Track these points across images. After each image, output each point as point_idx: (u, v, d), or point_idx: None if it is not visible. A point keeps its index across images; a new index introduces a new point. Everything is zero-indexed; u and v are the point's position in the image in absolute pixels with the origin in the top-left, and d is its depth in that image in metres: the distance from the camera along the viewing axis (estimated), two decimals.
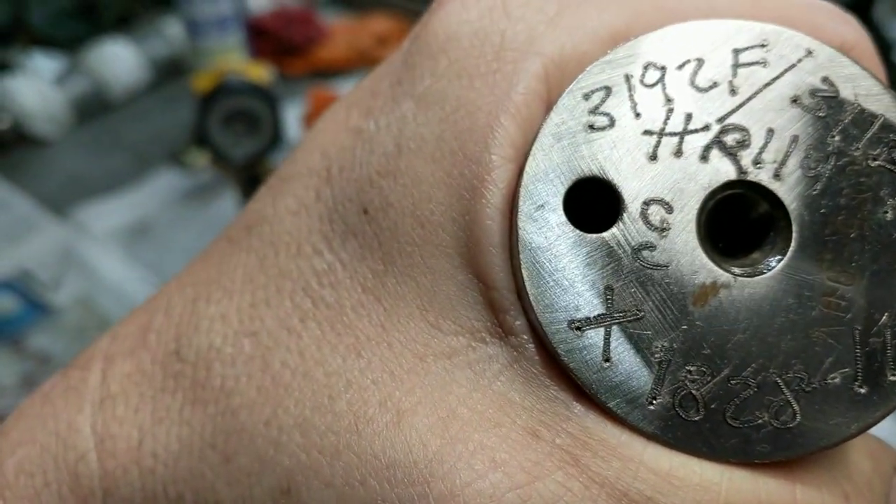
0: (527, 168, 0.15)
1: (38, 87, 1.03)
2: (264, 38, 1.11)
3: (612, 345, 0.15)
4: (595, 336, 0.15)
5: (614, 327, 0.15)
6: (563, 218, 0.15)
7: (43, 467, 0.19)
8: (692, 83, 0.16)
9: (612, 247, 0.15)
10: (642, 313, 0.15)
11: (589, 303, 0.15)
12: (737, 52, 0.16)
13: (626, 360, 0.15)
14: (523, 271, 0.15)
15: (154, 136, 1.04)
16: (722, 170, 0.16)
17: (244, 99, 0.72)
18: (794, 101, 0.16)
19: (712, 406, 0.15)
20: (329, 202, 0.18)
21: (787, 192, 0.15)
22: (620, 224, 0.15)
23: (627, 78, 0.16)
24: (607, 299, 0.15)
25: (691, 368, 0.15)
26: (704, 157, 0.16)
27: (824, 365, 0.15)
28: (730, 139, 0.16)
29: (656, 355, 0.15)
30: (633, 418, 0.15)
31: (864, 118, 0.16)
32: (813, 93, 0.16)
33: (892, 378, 0.15)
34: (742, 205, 0.16)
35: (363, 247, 0.17)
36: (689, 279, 0.15)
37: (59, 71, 1.10)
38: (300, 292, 0.18)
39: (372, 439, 0.15)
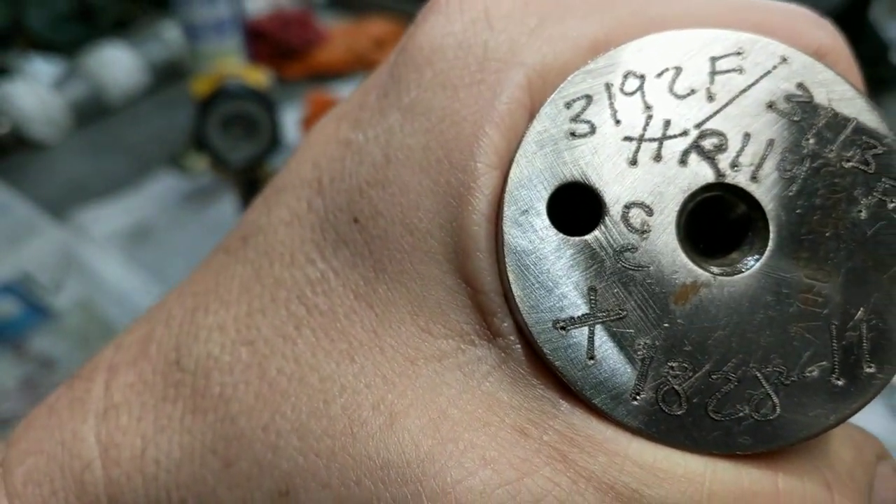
0: (511, 175, 0.16)
1: (37, 91, 1.03)
2: (262, 41, 1.12)
3: (596, 343, 0.16)
4: (579, 335, 0.16)
5: (598, 326, 0.16)
6: (547, 222, 0.16)
7: (50, 476, 0.19)
8: (671, 90, 0.16)
9: (594, 249, 0.16)
10: (625, 312, 0.16)
11: (573, 303, 0.16)
12: (714, 60, 0.16)
13: (610, 358, 0.16)
14: (509, 274, 0.16)
15: (153, 140, 1.04)
16: (700, 173, 0.16)
17: (242, 103, 0.73)
18: (770, 106, 0.16)
19: (694, 400, 0.16)
20: (321, 212, 0.19)
21: (764, 193, 0.16)
22: (602, 227, 0.16)
23: (608, 86, 0.16)
24: (591, 300, 0.16)
25: (673, 364, 0.16)
26: (683, 162, 0.16)
27: (802, 359, 0.16)
28: (708, 143, 0.16)
29: (639, 352, 0.16)
30: (617, 413, 0.16)
31: (837, 122, 0.16)
32: (788, 98, 0.16)
33: (868, 370, 0.16)
34: (721, 207, 0.17)
35: (354, 255, 0.18)
36: (669, 279, 0.16)
37: (57, 75, 1.10)
38: (295, 300, 0.18)
39: (366, 441, 0.16)
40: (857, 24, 1.00)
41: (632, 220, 0.16)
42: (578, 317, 0.16)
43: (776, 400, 0.16)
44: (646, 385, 0.16)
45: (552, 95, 0.16)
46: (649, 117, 0.16)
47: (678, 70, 0.16)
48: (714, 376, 0.16)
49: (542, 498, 0.15)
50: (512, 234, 0.16)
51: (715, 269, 0.16)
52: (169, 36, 1.15)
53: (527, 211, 0.16)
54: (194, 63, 0.88)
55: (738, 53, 0.16)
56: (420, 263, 0.17)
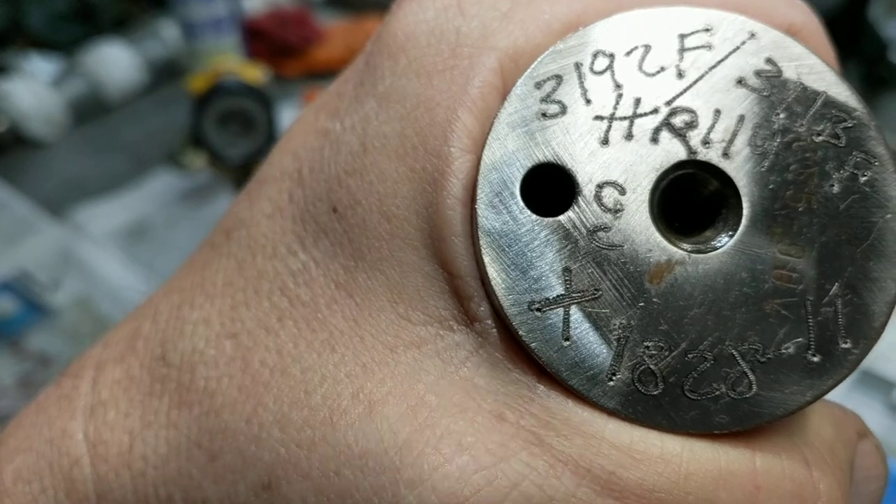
0: (483, 157, 0.16)
1: (35, 89, 1.03)
2: (260, 39, 1.12)
3: (572, 324, 0.16)
4: (555, 316, 0.16)
5: (573, 307, 0.16)
6: (521, 203, 0.16)
7: (39, 474, 0.19)
8: (640, 68, 0.16)
9: (568, 229, 0.16)
10: (600, 292, 0.16)
11: (548, 284, 0.16)
12: (682, 37, 0.16)
13: (586, 339, 0.16)
14: (484, 257, 0.16)
15: (151, 138, 1.04)
16: (672, 151, 0.16)
17: (239, 100, 0.73)
18: (740, 82, 0.16)
19: (671, 380, 0.16)
20: (301, 203, 0.19)
21: (736, 169, 0.16)
22: (576, 207, 0.16)
23: (577, 66, 0.16)
24: (565, 280, 0.16)
25: (649, 344, 0.16)
26: (655, 140, 0.16)
27: (778, 336, 0.16)
28: (678, 121, 0.16)
29: (614, 333, 0.16)
30: (593, 395, 0.15)
31: (806, 95, 0.16)
32: (757, 73, 0.16)
33: (843, 346, 0.16)
34: (694, 184, 0.16)
35: (334, 244, 0.18)
36: (644, 258, 0.16)
37: (55, 73, 1.10)
38: (277, 292, 0.18)
39: (346, 431, 0.16)
40: (855, 24, 1.00)
41: (605, 200, 0.16)
42: (553, 298, 0.16)
43: (752, 378, 0.15)
44: (622, 365, 0.16)
45: (522, 76, 0.16)
46: (619, 96, 0.16)
47: (647, 48, 0.16)
48: (690, 355, 0.16)
49: (518, 482, 0.15)
50: (486, 217, 0.16)
51: (689, 247, 0.16)
52: (167, 34, 1.15)
53: (500, 193, 0.16)
54: (192, 61, 0.88)
55: (707, 30, 0.16)
56: (398, 250, 0.17)
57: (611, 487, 0.15)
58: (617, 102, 0.16)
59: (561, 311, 0.16)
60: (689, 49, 0.16)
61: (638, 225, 0.16)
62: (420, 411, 0.16)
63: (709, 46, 0.16)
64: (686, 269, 0.16)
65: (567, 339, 0.16)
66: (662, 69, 0.16)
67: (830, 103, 0.16)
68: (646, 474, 0.15)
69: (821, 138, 0.16)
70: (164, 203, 0.95)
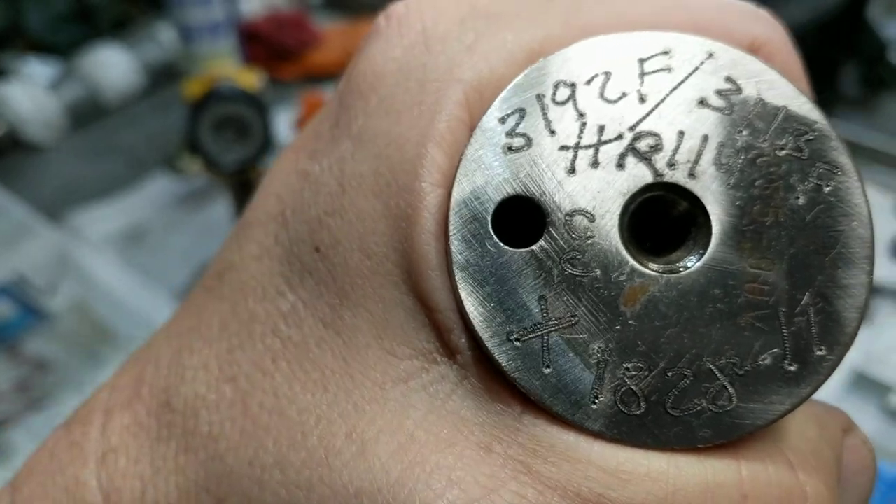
0: (454, 193, 0.16)
1: (33, 93, 1.03)
2: (257, 43, 1.12)
3: (551, 351, 0.16)
4: (534, 345, 0.16)
5: (551, 335, 0.16)
6: (493, 237, 0.16)
7: None
8: (602, 96, 0.16)
9: (541, 259, 0.16)
10: (576, 318, 0.16)
11: (525, 314, 0.16)
12: (642, 61, 0.17)
13: (566, 365, 0.16)
14: (460, 291, 0.16)
15: (148, 142, 1.05)
16: (638, 175, 0.16)
17: (234, 105, 0.73)
18: (701, 102, 0.16)
19: (652, 399, 0.16)
20: (286, 244, 0.19)
21: (703, 188, 0.16)
22: (547, 237, 0.16)
23: (540, 98, 0.16)
24: (542, 309, 0.16)
25: (629, 366, 0.16)
26: (620, 165, 0.16)
27: (754, 348, 0.16)
28: (643, 145, 0.16)
29: (594, 357, 0.16)
30: (577, 419, 0.16)
31: (767, 111, 0.16)
32: (718, 93, 0.16)
33: (818, 353, 0.16)
34: (663, 205, 0.17)
35: (319, 284, 0.18)
36: (617, 282, 0.16)
37: (53, 77, 1.11)
38: (270, 334, 0.19)
39: (341, 471, 0.16)
40: (854, 24, 1.00)
41: (575, 228, 0.16)
42: (531, 327, 0.16)
43: (732, 391, 0.16)
44: (603, 388, 0.16)
45: (486, 113, 0.16)
46: (583, 124, 0.16)
47: (608, 75, 0.16)
48: (670, 373, 0.16)
49: None
50: (460, 252, 0.16)
51: (661, 268, 0.16)
52: (164, 37, 1.15)
53: (472, 227, 0.16)
54: (189, 65, 0.88)
55: (666, 53, 0.17)
56: (380, 287, 0.17)
57: None
58: (581, 131, 0.16)
59: (539, 339, 0.16)
60: (649, 73, 0.16)
61: (609, 250, 0.16)
62: (410, 448, 0.16)
63: (668, 69, 0.16)
64: (659, 290, 0.16)
65: (548, 367, 0.16)
66: (624, 95, 0.16)
67: (791, 117, 0.16)
68: (634, 493, 0.15)
69: (784, 152, 0.16)
70: (161, 207, 0.95)
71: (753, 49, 0.18)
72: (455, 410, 0.16)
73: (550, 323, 0.16)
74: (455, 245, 0.16)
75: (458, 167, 0.16)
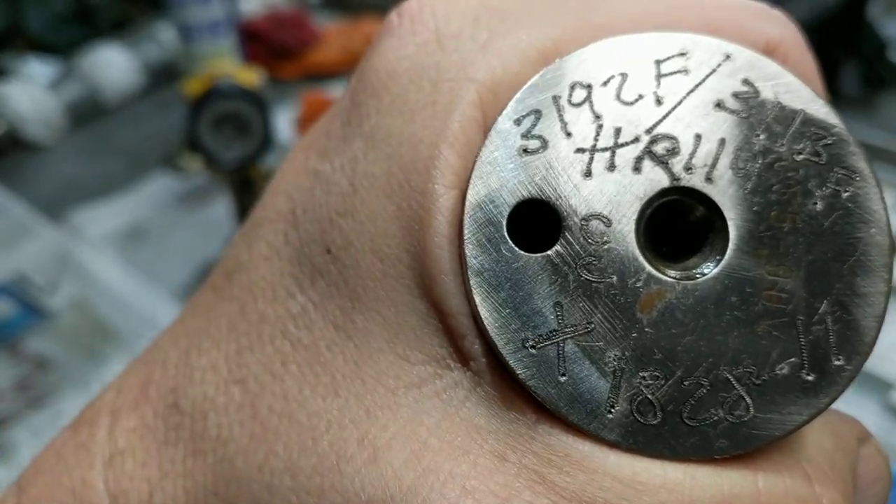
0: (468, 196, 0.16)
1: (33, 92, 1.03)
2: (257, 41, 1.12)
3: (567, 359, 0.15)
4: (549, 352, 0.15)
5: (567, 342, 0.16)
6: (508, 241, 0.16)
7: None
8: (618, 98, 0.16)
9: (556, 264, 0.16)
10: (592, 325, 0.16)
11: (540, 321, 0.16)
12: (658, 63, 0.16)
13: (582, 373, 0.15)
14: (475, 296, 0.16)
15: (148, 141, 1.05)
16: (655, 179, 0.16)
17: (234, 103, 0.73)
18: (718, 105, 0.16)
19: (669, 408, 0.15)
20: (296, 244, 0.19)
21: (720, 193, 0.16)
22: (563, 241, 0.16)
23: (556, 99, 0.16)
24: (557, 315, 0.16)
25: (645, 374, 0.15)
26: (637, 169, 0.16)
27: (772, 357, 0.15)
28: (660, 148, 0.16)
29: (610, 365, 0.15)
30: (593, 428, 0.15)
31: (785, 115, 0.16)
32: (735, 95, 0.16)
33: (836, 363, 0.15)
34: (680, 210, 0.16)
35: (330, 285, 0.18)
36: (633, 288, 0.16)
37: (53, 76, 1.11)
38: (279, 336, 0.18)
39: (353, 478, 0.16)
40: (855, 23, 1.00)
41: (591, 232, 0.16)
42: (546, 334, 0.16)
43: (749, 401, 0.15)
44: (619, 397, 0.15)
45: (501, 114, 0.16)
46: (599, 127, 0.16)
47: (624, 76, 0.16)
48: (686, 382, 0.15)
49: None
50: (474, 256, 0.16)
51: (678, 274, 0.16)
52: (164, 37, 1.15)
53: (487, 231, 0.16)
54: (189, 64, 0.88)
55: (682, 54, 0.16)
56: (392, 290, 0.17)
57: None
58: (597, 134, 0.16)
59: (555, 346, 0.16)
60: (666, 75, 0.16)
61: (626, 255, 0.16)
62: (423, 456, 0.16)
63: (685, 71, 0.16)
64: (676, 297, 0.16)
65: (563, 375, 0.15)
66: (641, 97, 0.16)
67: (809, 121, 0.16)
68: None
69: (801, 157, 0.16)
70: (162, 206, 0.95)
71: (768, 49, 0.18)
72: (469, 418, 0.16)
73: (566, 330, 0.16)
74: (469, 249, 0.16)
75: (472, 169, 0.16)
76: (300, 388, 0.18)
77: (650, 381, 0.15)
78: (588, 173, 0.16)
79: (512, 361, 0.16)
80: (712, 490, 0.15)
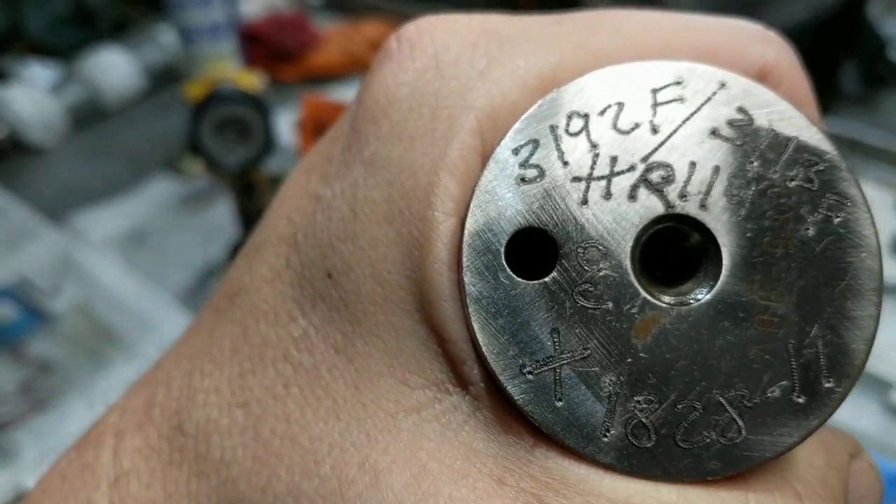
0: (467, 224, 0.16)
1: (34, 95, 1.03)
2: (258, 44, 1.12)
3: (564, 384, 0.16)
4: (546, 378, 0.16)
5: (563, 367, 0.16)
6: (506, 269, 0.16)
7: None
8: (615, 126, 0.16)
9: (553, 291, 0.16)
10: (588, 351, 0.16)
11: (537, 347, 0.16)
12: (654, 91, 0.16)
13: (578, 398, 0.16)
14: (473, 323, 0.16)
15: (149, 143, 1.05)
16: (650, 206, 0.16)
17: (235, 107, 0.73)
18: (713, 133, 0.16)
19: (662, 431, 0.16)
20: (297, 268, 0.19)
21: (714, 220, 0.16)
22: (559, 269, 0.16)
23: (553, 129, 0.16)
24: (554, 341, 0.16)
25: (639, 399, 0.16)
26: (633, 196, 0.16)
27: (763, 380, 0.16)
28: (655, 176, 0.16)
29: (605, 390, 0.16)
30: (589, 452, 0.16)
31: (778, 142, 0.16)
32: (730, 123, 0.16)
33: (827, 385, 0.16)
34: (675, 237, 0.17)
35: (331, 310, 0.18)
36: (628, 314, 0.16)
37: (54, 79, 1.11)
38: (281, 359, 0.18)
39: (354, 501, 0.16)
40: (854, 22, 1.00)
41: (587, 260, 0.16)
42: (544, 360, 0.16)
43: (741, 423, 0.16)
44: (614, 421, 0.16)
45: (500, 144, 0.17)
46: (596, 156, 0.16)
47: (621, 105, 0.16)
48: (680, 406, 0.16)
49: None
50: (473, 284, 0.16)
51: (673, 300, 0.16)
52: (165, 39, 1.15)
53: (485, 259, 0.16)
54: (190, 66, 0.88)
55: (678, 83, 0.17)
56: (392, 315, 0.17)
57: None
58: (594, 163, 0.16)
59: (552, 372, 0.16)
60: (662, 103, 0.16)
61: (621, 282, 0.16)
62: (423, 479, 0.16)
63: (681, 99, 0.16)
64: (670, 322, 0.16)
65: (560, 400, 0.16)
66: (637, 125, 0.16)
67: (802, 148, 0.16)
68: None
69: (794, 183, 0.16)
70: (163, 209, 0.95)
71: (764, 72, 0.18)
72: (468, 442, 0.16)
73: (563, 356, 0.16)
74: (468, 277, 0.16)
75: (471, 198, 0.16)
76: (302, 412, 0.18)
77: (644, 405, 0.16)
78: (584, 201, 0.16)
79: (509, 387, 0.16)
80: None
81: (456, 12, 0.19)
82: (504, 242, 0.16)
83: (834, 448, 0.18)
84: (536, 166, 0.16)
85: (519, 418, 0.16)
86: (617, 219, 0.16)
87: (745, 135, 0.16)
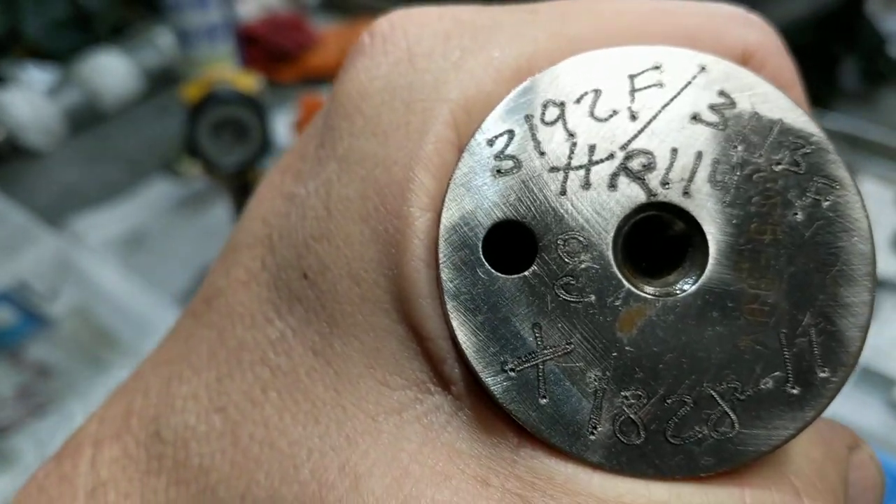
0: (442, 220, 0.16)
1: (32, 99, 1.03)
2: (255, 45, 1.12)
3: (547, 381, 0.15)
4: (529, 374, 0.15)
5: (547, 363, 0.15)
6: (484, 263, 0.16)
7: None
8: (592, 114, 0.16)
9: (534, 285, 0.15)
10: (572, 346, 0.15)
11: (519, 343, 0.15)
12: (632, 77, 0.16)
13: (563, 395, 0.15)
14: (452, 320, 0.15)
15: (147, 146, 1.05)
16: (631, 195, 0.16)
17: (232, 108, 0.73)
18: (694, 118, 0.16)
19: (652, 427, 0.15)
20: (273, 270, 0.18)
21: (698, 207, 0.16)
22: (539, 262, 0.15)
23: (528, 118, 0.16)
24: (536, 337, 0.15)
25: (627, 394, 0.15)
26: (613, 185, 0.16)
27: (756, 371, 0.15)
28: (635, 164, 0.16)
29: (591, 385, 0.15)
30: (576, 450, 0.15)
31: (762, 125, 0.16)
32: (711, 107, 0.16)
33: (821, 375, 0.15)
34: (658, 225, 0.16)
35: (308, 311, 0.18)
36: (612, 307, 0.15)
37: (51, 82, 1.11)
38: (259, 363, 0.18)
39: None
40: (854, 18, 1.00)
41: (568, 252, 0.16)
42: (525, 356, 0.15)
43: (734, 417, 0.15)
44: (601, 418, 0.15)
45: (474, 135, 0.16)
46: (573, 145, 0.16)
47: (597, 92, 0.16)
48: (669, 400, 0.15)
49: None
50: (451, 280, 0.15)
51: (658, 291, 0.16)
52: (162, 42, 1.15)
53: (462, 254, 0.16)
54: (187, 69, 0.88)
55: (657, 68, 0.16)
56: (370, 315, 0.17)
57: None
58: (571, 152, 0.16)
59: (535, 368, 0.15)
60: (640, 89, 0.16)
61: (604, 273, 0.15)
62: (405, 482, 0.16)
63: (660, 84, 0.16)
64: (656, 314, 0.15)
65: (544, 397, 0.15)
66: (615, 113, 0.16)
67: (787, 130, 0.16)
68: None
69: (780, 167, 0.16)
70: (161, 211, 0.95)
71: (746, 55, 0.18)
72: (450, 442, 0.16)
73: (545, 351, 0.15)
74: (445, 273, 0.15)
75: (446, 192, 0.16)
76: (280, 416, 0.17)
77: (632, 401, 0.15)
78: (563, 192, 0.16)
79: (491, 385, 0.15)
80: None
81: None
82: (481, 236, 0.16)
83: (832, 440, 0.18)
84: (512, 157, 0.16)
85: (503, 417, 0.16)
86: (597, 209, 0.16)
87: (727, 119, 0.16)
